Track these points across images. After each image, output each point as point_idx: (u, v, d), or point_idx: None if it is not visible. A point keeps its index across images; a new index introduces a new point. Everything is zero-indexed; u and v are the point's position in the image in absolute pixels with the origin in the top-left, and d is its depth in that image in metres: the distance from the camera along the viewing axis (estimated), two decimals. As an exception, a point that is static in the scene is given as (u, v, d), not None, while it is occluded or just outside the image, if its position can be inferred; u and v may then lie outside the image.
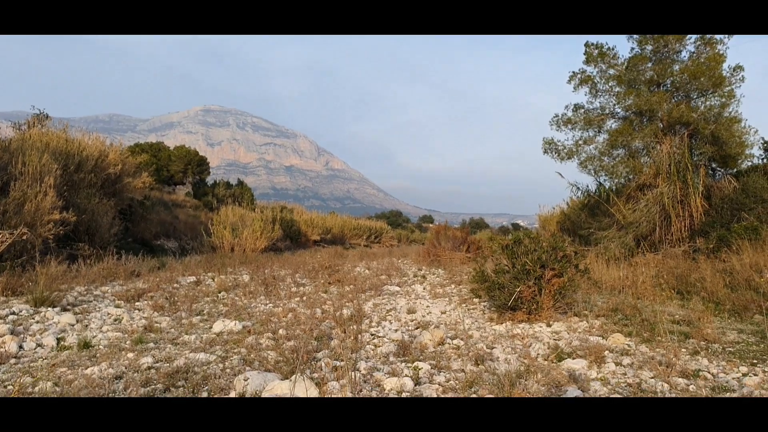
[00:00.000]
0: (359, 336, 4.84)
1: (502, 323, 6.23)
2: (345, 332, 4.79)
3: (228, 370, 4.28)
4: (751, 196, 11.61)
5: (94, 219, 12.26)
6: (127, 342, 5.31)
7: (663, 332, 5.36)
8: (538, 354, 4.74)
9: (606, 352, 4.62)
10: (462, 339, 5.37)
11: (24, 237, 8.48)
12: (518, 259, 6.17)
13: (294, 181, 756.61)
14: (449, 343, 5.20)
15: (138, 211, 16.78)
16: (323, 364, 4.30)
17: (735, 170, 13.46)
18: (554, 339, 5.40)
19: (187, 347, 5.11)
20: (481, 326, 6.21)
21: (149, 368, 4.32)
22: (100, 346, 5.15)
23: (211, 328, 6.02)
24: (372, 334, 5.71)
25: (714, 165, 13.63)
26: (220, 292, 8.78)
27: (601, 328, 5.75)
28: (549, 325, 6.02)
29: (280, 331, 5.68)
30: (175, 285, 9.30)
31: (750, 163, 13.52)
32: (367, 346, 5.09)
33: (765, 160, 13.86)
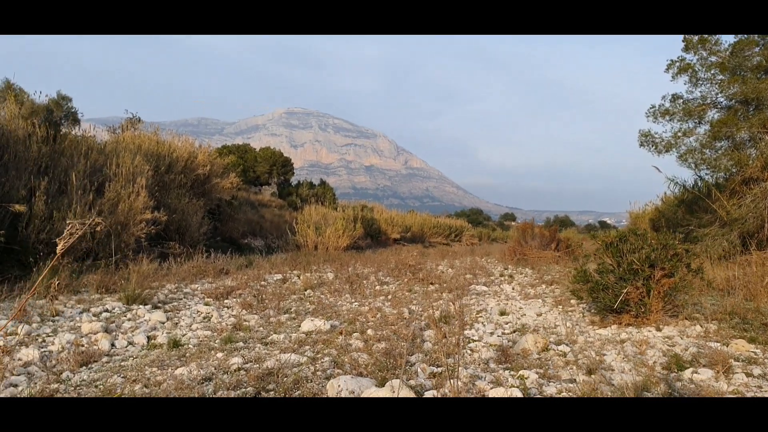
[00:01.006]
0: (460, 339, 4.54)
1: (606, 327, 5.78)
2: (442, 334, 4.51)
3: (319, 373, 4.10)
4: None
5: (184, 218, 12.53)
6: (217, 341, 5.24)
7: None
8: (654, 362, 4.31)
9: (731, 360, 4.14)
10: (567, 344, 4.99)
11: (98, 229, 8.65)
12: (624, 258, 5.70)
13: (374, 180, 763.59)
14: (554, 349, 4.82)
15: (226, 210, 17.12)
16: (419, 370, 4.05)
17: None
18: (668, 345, 4.93)
19: (276, 347, 4.98)
20: (584, 330, 5.78)
21: (239, 369, 4.20)
22: (190, 345, 5.10)
23: (299, 326, 5.88)
24: (467, 337, 5.41)
25: (831, 156, 12.53)
26: (306, 290, 8.69)
27: (718, 333, 5.21)
28: (659, 329, 5.53)
29: (369, 332, 5.48)
30: (262, 283, 9.30)
31: None
32: (465, 349, 4.80)
33: None
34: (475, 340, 5.26)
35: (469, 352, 4.75)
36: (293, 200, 26.38)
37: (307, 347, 4.92)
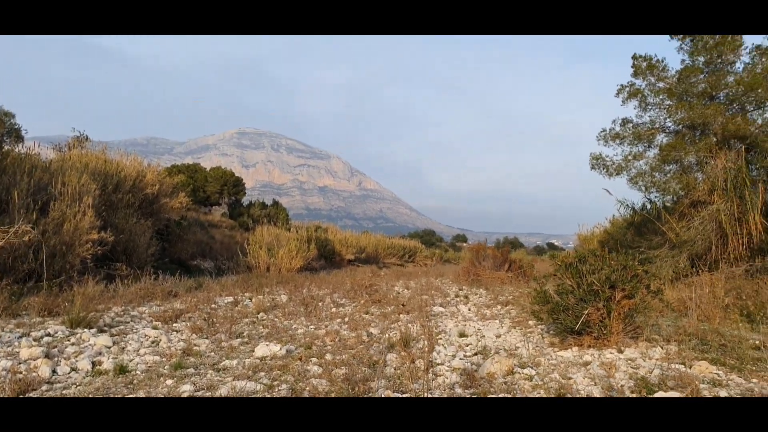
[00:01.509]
0: (429, 363, 4.38)
1: (566, 349, 5.72)
2: (411, 358, 4.35)
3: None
4: (816, 212, 10.94)
5: (132, 239, 12.14)
6: (166, 367, 4.97)
7: (751, 360, 4.85)
8: (622, 386, 4.25)
9: (698, 383, 4.11)
10: (532, 367, 4.90)
11: (28, 239, 8.27)
12: (584, 279, 5.68)
13: (327, 201, 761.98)
14: (519, 372, 4.72)
15: (175, 231, 16.71)
16: (383, 396, 3.89)
17: (795, 186, 12.77)
18: (632, 367, 4.88)
19: (229, 373, 4.73)
20: (545, 352, 5.70)
21: (190, 397, 3.96)
22: (138, 371, 4.82)
23: (252, 351, 5.64)
24: (429, 361, 5.27)
25: (773, 180, 12.94)
26: (258, 313, 8.44)
27: (680, 355, 5.21)
28: (621, 351, 5.50)
29: (327, 356, 5.29)
30: (212, 305, 9.01)
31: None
32: (429, 374, 4.65)
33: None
34: (438, 364, 5.12)
35: (433, 376, 4.61)
36: (245, 221, 25.95)
37: (263, 374, 4.70)
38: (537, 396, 3.73)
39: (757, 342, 5.88)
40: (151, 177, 14.97)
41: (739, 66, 13.03)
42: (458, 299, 11.26)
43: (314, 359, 5.18)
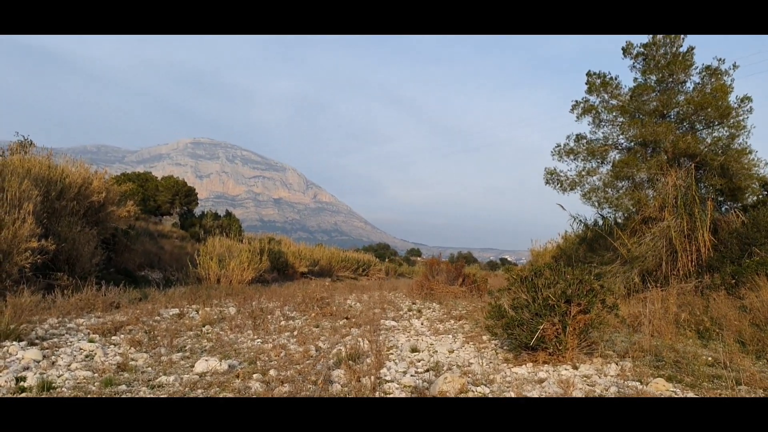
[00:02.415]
0: (374, 380, 4.13)
1: (521, 365, 5.56)
2: (356, 376, 4.09)
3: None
4: (762, 230, 11.15)
5: (75, 248, 11.62)
6: (96, 383, 4.61)
7: (705, 377, 4.78)
8: (579, 404, 4.10)
9: (655, 401, 3.99)
10: (486, 385, 4.70)
11: None
12: (540, 293, 5.54)
13: (282, 213, 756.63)
14: (473, 390, 4.52)
15: (122, 240, 16.13)
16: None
17: (741, 204, 13.04)
18: (588, 385, 4.74)
19: (164, 391, 4.41)
20: (499, 368, 5.53)
21: (118, 418, 3.65)
22: (64, 388, 4.44)
23: (192, 367, 5.31)
24: (378, 378, 5.04)
25: (721, 198, 13.20)
26: (204, 326, 8.08)
27: (635, 372, 5.10)
28: (576, 368, 5.37)
29: (271, 372, 5.00)
30: (156, 318, 8.62)
31: (755, 198, 13.13)
32: (375, 392, 4.41)
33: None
34: (388, 381, 4.88)
35: (381, 394, 4.38)
36: (196, 231, 25.34)
37: (200, 390, 4.40)
38: (535, 396, 3.56)
39: (710, 358, 5.84)
40: (98, 184, 14.41)
41: (689, 85, 13.30)
42: (411, 313, 11.08)
43: (257, 375, 4.89)
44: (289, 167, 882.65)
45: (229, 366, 5.31)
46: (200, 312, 9.26)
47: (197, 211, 29.67)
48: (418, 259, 69.61)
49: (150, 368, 5.33)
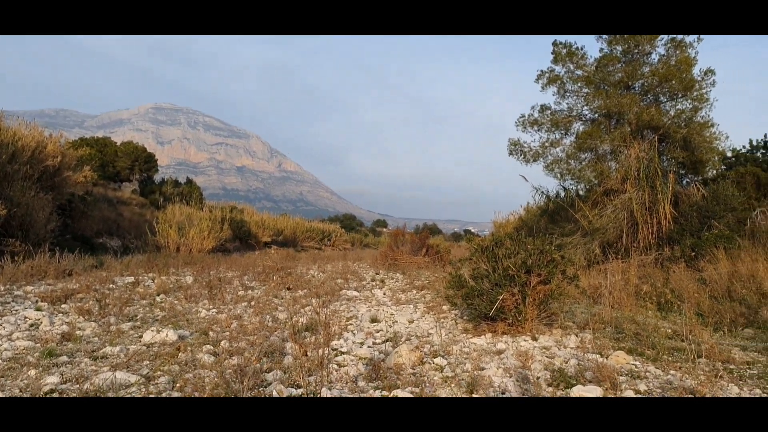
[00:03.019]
0: (323, 354, 3.94)
1: (480, 335, 5.45)
2: (303, 350, 3.91)
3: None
4: (721, 204, 11.26)
5: (29, 213, 11.19)
6: (36, 354, 4.35)
7: (666, 349, 4.73)
8: (538, 377, 3.98)
9: (615, 375, 3.89)
10: (443, 356, 4.56)
11: None
12: (500, 263, 5.43)
13: (245, 182, 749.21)
14: (429, 362, 4.38)
15: (79, 206, 15.64)
16: (274, 391, 3.46)
17: (701, 177, 13.17)
18: (547, 357, 4.64)
19: (107, 362, 4.17)
20: (458, 339, 5.41)
21: (52, 391, 3.42)
22: (1, 359, 4.19)
23: (141, 337, 5.09)
24: (334, 349, 4.87)
25: (682, 171, 13.31)
26: (159, 295, 7.82)
27: (594, 344, 5.02)
28: (535, 339, 5.27)
29: (223, 344, 4.80)
30: (110, 286, 8.33)
31: (715, 172, 13.28)
32: (330, 364, 4.24)
33: (732, 168, 13.64)
34: (344, 353, 4.70)
35: (336, 367, 4.22)
36: (156, 198, 24.81)
37: (146, 362, 4.18)
38: (531, 396, 3.45)
39: (669, 330, 5.83)
40: (53, 148, 13.92)
41: (654, 57, 13.28)
42: (374, 283, 10.97)
43: (208, 347, 4.68)
44: (253, 134, 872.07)
45: (180, 336, 5.08)
46: (156, 281, 9.00)
47: (158, 178, 29.05)
48: (384, 230, 69.66)
49: (97, 338, 5.08)
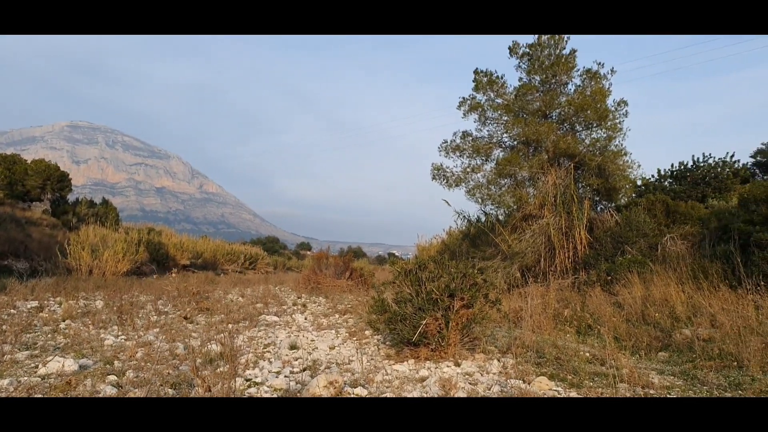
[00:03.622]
0: (229, 388, 3.70)
1: (402, 361, 5.32)
2: (206, 386, 3.64)
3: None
4: (633, 229, 11.67)
5: None
6: None
7: (587, 374, 4.76)
8: (461, 407, 3.89)
9: (538, 401, 3.85)
10: (364, 386, 4.39)
11: None
12: (423, 287, 5.35)
13: (165, 203, 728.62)
14: (350, 392, 4.22)
15: (-20, 227, 14.68)
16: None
17: (614, 204, 13.64)
18: (470, 383, 4.55)
19: (-6, 397, 3.80)
20: (380, 366, 5.25)
21: None
22: None
23: (36, 368, 4.68)
24: (247, 380, 4.62)
25: (597, 198, 13.74)
26: (65, 321, 7.34)
27: (517, 369, 4.99)
28: (458, 365, 5.19)
29: (128, 374, 4.48)
30: (11, 311, 7.77)
31: (627, 199, 13.79)
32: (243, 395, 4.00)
33: (643, 196, 14.22)
34: (258, 383, 4.47)
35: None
36: (69, 219, 23.69)
37: (39, 395, 3.83)
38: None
39: (588, 354, 5.89)
40: (-49, 165, 13.06)
41: (571, 87, 13.71)
42: (296, 308, 10.73)
43: (112, 377, 4.35)
44: (173, 155, 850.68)
45: (80, 366, 4.72)
46: (63, 305, 8.47)
47: (72, 198, 27.79)
48: (308, 253, 68.99)
49: (-14, 369, 4.65)
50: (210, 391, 3.65)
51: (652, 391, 4.38)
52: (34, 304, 8.58)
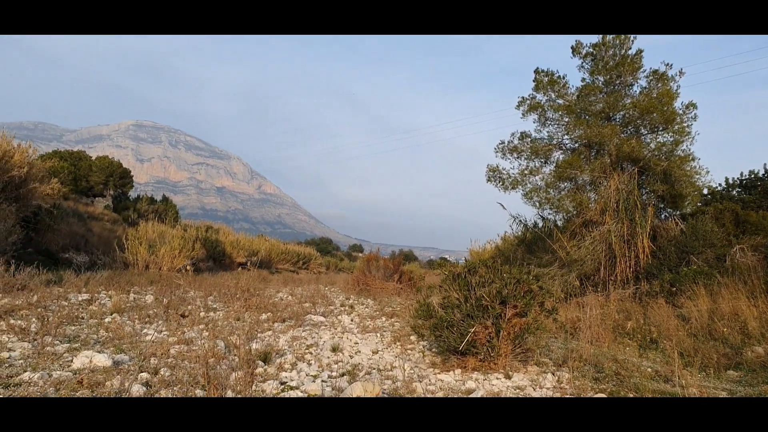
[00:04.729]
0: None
1: (448, 371, 5.00)
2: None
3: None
4: (700, 239, 11.03)
5: (-11, 224, 10.68)
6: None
7: (650, 392, 4.35)
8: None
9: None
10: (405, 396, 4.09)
11: None
12: (472, 292, 5.02)
13: (225, 202, 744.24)
14: (389, 404, 3.92)
15: (44, 220, 15.07)
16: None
17: (680, 212, 12.97)
18: (521, 398, 4.24)
19: (23, 390, 3.64)
20: (424, 374, 4.94)
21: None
22: None
23: (72, 361, 4.55)
24: (282, 382, 4.39)
25: (661, 205, 13.09)
26: (112, 314, 7.30)
27: (573, 384, 4.61)
28: (509, 377, 4.84)
29: (162, 371, 4.32)
30: (63, 303, 7.80)
31: (694, 207, 13.09)
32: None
33: (709, 205, 13.49)
34: (293, 387, 4.23)
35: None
36: (129, 215, 24.24)
37: (65, 393, 3.67)
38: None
39: (650, 370, 5.46)
40: (20, 158, 13.42)
41: (636, 89, 13.12)
42: (343, 308, 10.53)
43: (144, 375, 4.19)
44: (234, 156, 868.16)
45: (115, 362, 4.57)
46: (113, 299, 8.48)
47: (133, 194, 28.50)
48: (360, 254, 69.17)
49: (22, 360, 4.55)
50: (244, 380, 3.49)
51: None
52: (86, 296, 8.61)
